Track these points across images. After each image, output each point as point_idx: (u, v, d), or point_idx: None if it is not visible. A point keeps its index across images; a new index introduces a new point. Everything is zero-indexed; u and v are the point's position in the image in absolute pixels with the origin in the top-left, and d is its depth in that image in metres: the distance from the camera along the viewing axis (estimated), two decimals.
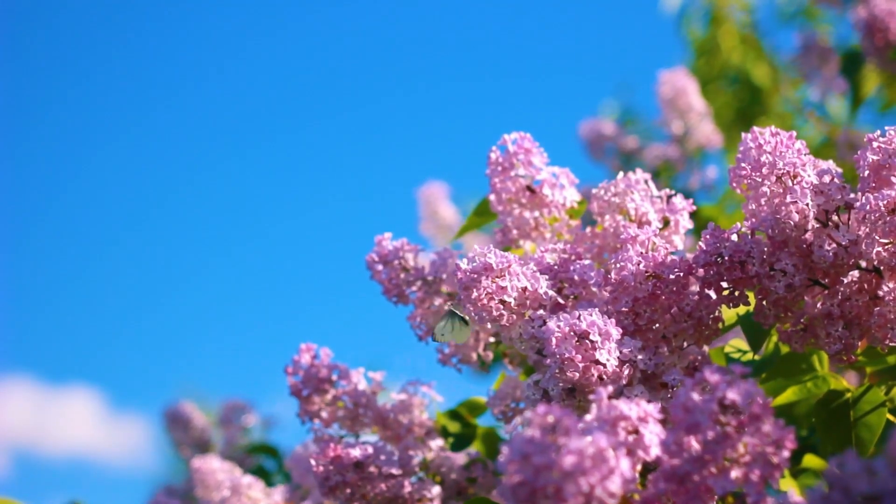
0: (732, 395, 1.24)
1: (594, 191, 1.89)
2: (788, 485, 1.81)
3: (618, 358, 1.55)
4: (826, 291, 1.61)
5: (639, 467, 1.29)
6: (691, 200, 1.88)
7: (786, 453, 1.26)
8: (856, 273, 1.59)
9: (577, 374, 1.52)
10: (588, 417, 1.28)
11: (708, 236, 1.59)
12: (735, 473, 1.26)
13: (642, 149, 3.89)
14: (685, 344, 1.66)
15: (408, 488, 1.90)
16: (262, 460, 3.36)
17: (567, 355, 1.51)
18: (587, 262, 1.73)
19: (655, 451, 1.28)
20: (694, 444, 1.26)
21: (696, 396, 1.25)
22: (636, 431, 1.28)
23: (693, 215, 1.88)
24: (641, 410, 1.28)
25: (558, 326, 1.52)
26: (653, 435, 1.28)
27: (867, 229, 1.51)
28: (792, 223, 1.54)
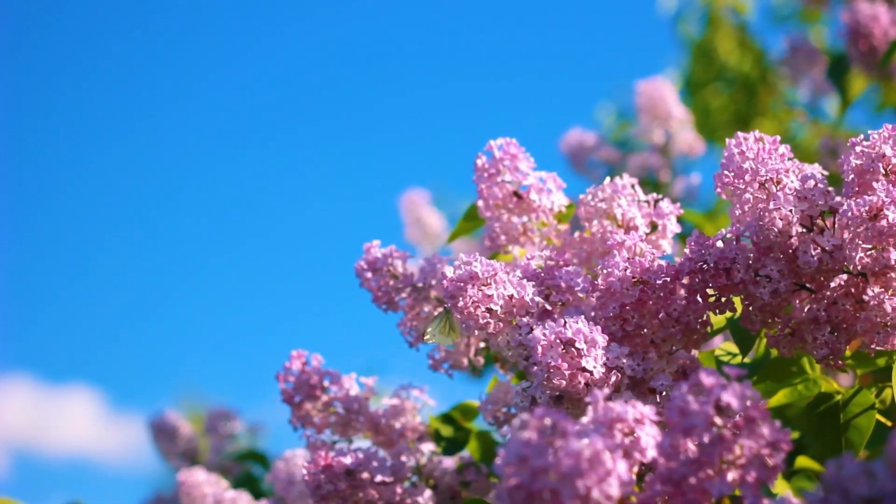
0: (728, 397, 1.24)
1: (581, 196, 1.89)
2: (782, 487, 1.82)
3: (604, 364, 1.55)
4: (812, 296, 1.61)
5: (635, 469, 1.29)
6: (678, 204, 1.89)
7: (782, 455, 1.26)
8: (842, 277, 1.59)
9: (564, 382, 1.52)
10: (585, 420, 1.28)
11: (692, 243, 1.59)
12: (731, 476, 1.26)
13: (625, 158, 3.89)
14: (674, 349, 1.67)
15: (399, 493, 1.90)
16: (251, 467, 3.35)
17: (553, 363, 1.51)
18: (573, 268, 1.73)
19: (652, 454, 1.28)
20: (690, 446, 1.27)
21: (691, 399, 1.25)
22: (632, 434, 1.29)
23: (678, 222, 1.89)
24: (638, 412, 1.29)
25: (544, 335, 1.52)
26: (649, 437, 1.28)
27: (850, 235, 1.51)
28: (776, 229, 1.54)
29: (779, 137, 1.61)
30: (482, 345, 1.98)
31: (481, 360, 1.99)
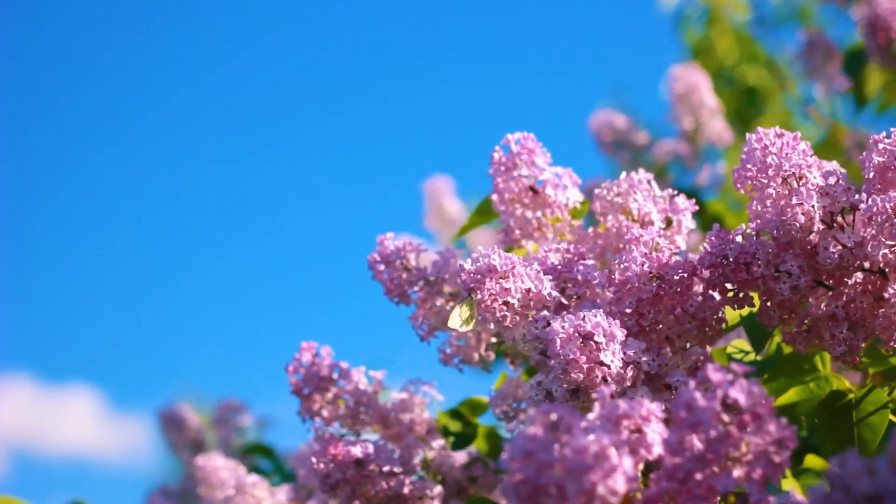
0: (735, 393, 1.24)
1: (597, 191, 1.88)
2: (790, 485, 1.81)
3: (622, 359, 1.54)
4: (831, 293, 1.61)
5: (641, 466, 1.29)
6: (694, 200, 1.88)
7: (788, 452, 1.25)
8: (860, 275, 1.59)
9: (582, 376, 1.52)
10: (591, 416, 1.28)
11: (713, 237, 1.59)
12: (737, 472, 1.26)
13: (652, 144, 3.89)
14: (688, 345, 1.66)
15: (408, 487, 1.90)
16: (258, 461, 3.36)
17: (571, 356, 1.51)
18: (591, 262, 1.73)
19: (658, 450, 1.27)
20: (696, 442, 1.26)
21: (698, 395, 1.25)
22: (639, 430, 1.28)
23: (701, 212, 1.88)
24: (644, 409, 1.28)
25: (563, 327, 1.52)
26: (655, 434, 1.27)
27: (873, 231, 1.51)
28: (797, 225, 1.54)
29: (799, 133, 1.61)
30: (493, 339, 1.97)
31: (492, 354, 1.98)
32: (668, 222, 1.86)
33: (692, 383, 1.27)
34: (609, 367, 1.53)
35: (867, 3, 3.22)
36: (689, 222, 1.86)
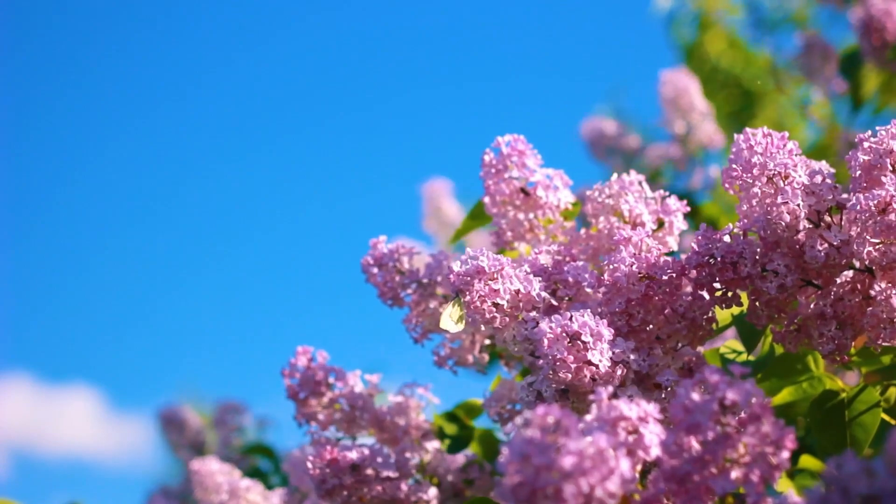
0: (733, 395, 1.24)
1: (588, 193, 1.89)
2: (785, 485, 1.82)
3: (610, 358, 1.55)
4: (819, 292, 1.61)
5: (639, 467, 1.29)
6: (685, 202, 1.88)
7: (785, 453, 1.26)
8: (848, 273, 1.60)
9: (570, 375, 1.53)
10: (588, 418, 1.28)
11: (700, 237, 1.59)
12: (735, 474, 1.26)
13: (644, 148, 3.91)
14: (679, 345, 1.66)
15: (404, 490, 1.90)
16: (258, 461, 3.36)
17: (559, 356, 1.51)
18: (581, 263, 1.73)
19: (656, 452, 1.28)
20: (694, 444, 1.27)
21: (696, 397, 1.25)
22: (636, 431, 1.28)
23: (695, 215, 1.88)
24: (642, 410, 1.28)
25: (550, 327, 1.52)
26: (653, 435, 1.28)
27: (858, 229, 1.51)
28: (783, 224, 1.54)
29: (787, 133, 1.61)
30: (487, 341, 1.98)
31: (486, 356, 1.98)
32: (660, 223, 1.87)
33: (689, 383, 1.27)
34: (597, 366, 1.53)
35: (861, 5, 3.23)
36: (680, 223, 1.87)
